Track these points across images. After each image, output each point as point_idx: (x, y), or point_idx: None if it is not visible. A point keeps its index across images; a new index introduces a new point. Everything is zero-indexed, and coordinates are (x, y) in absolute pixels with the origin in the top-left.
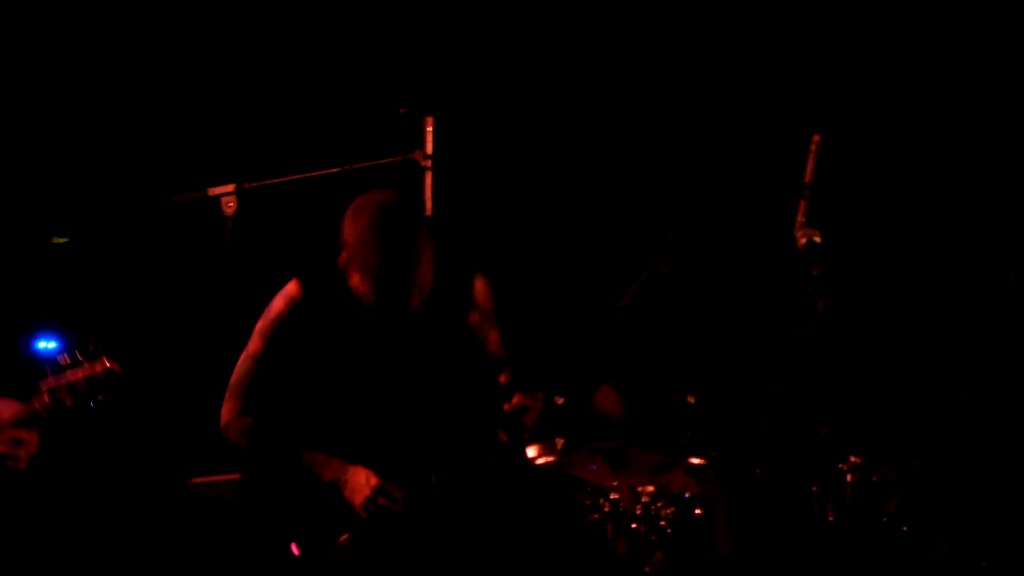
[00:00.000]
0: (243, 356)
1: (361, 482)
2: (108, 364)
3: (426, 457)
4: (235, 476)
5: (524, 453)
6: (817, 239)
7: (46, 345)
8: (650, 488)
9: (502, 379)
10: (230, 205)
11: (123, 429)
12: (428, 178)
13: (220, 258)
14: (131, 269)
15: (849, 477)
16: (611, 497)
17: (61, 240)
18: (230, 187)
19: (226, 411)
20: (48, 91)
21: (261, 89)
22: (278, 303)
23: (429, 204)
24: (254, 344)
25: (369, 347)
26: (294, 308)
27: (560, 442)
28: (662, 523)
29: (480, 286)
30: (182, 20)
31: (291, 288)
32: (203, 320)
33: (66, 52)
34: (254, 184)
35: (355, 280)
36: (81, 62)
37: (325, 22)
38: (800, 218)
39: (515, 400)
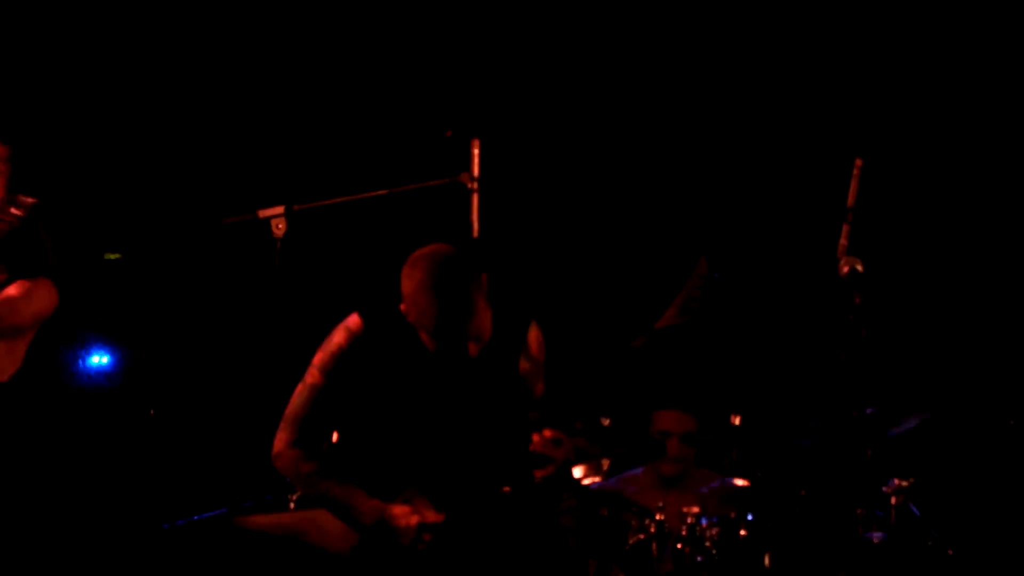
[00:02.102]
0: (300, 387)
1: (404, 521)
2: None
3: (471, 494)
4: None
5: (561, 483)
6: (859, 268)
7: (99, 359)
8: (695, 509)
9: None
10: (279, 227)
11: (168, 451)
12: (474, 200)
13: (270, 279)
14: (182, 288)
15: (893, 500)
16: (656, 517)
17: (114, 256)
18: (279, 209)
19: (280, 440)
20: (105, 114)
21: (310, 113)
22: (339, 337)
23: (475, 226)
24: (312, 376)
25: (428, 389)
26: (355, 343)
27: (606, 463)
28: (707, 544)
29: (534, 336)
30: (234, 48)
31: (353, 322)
32: (252, 340)
33: (124, 77)
34: (303, 206)
35: (416, 326)
36: (138, 87)
37: (374, 47)
38: (843, 241)
39: (545, 434)
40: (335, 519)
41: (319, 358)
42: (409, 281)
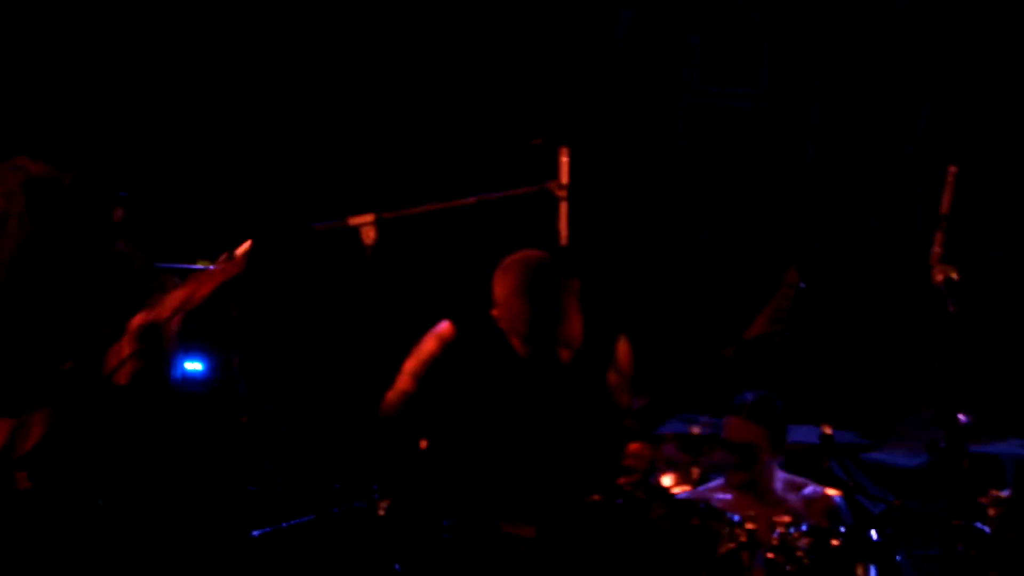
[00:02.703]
0: (391, 394)
1: None
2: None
3: (561, 502)
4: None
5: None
6: (954, 276)
7: (193, 366)
8: (786, 518)
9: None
10: (369, 234)
11: (259, 457)
12: (563, 208)
13: (360, 286)
14: (274, 295)
15: (992, 512)
16: (747, 527)
17: (205, 264)
18: (369, 217)
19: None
20: (198, 122)
21: (401, 121)
22: (431, 343)
23: (564, 234)
24: (404, 383)
25: (519, 394)
26: (447, 349)
27: (696, 471)
28: (799, 553)
29: (624, 349)
30: (327, 57)
31: (445, 329)
32: (343, 347)
33: (221, 86)
34: (393, 214)
35: (508, 332)
36: (234, 96)
37: (464, 55)
38: (937, 249)
39: (633, 448)
40: None
41: (411, 365)
42: (502, 286)
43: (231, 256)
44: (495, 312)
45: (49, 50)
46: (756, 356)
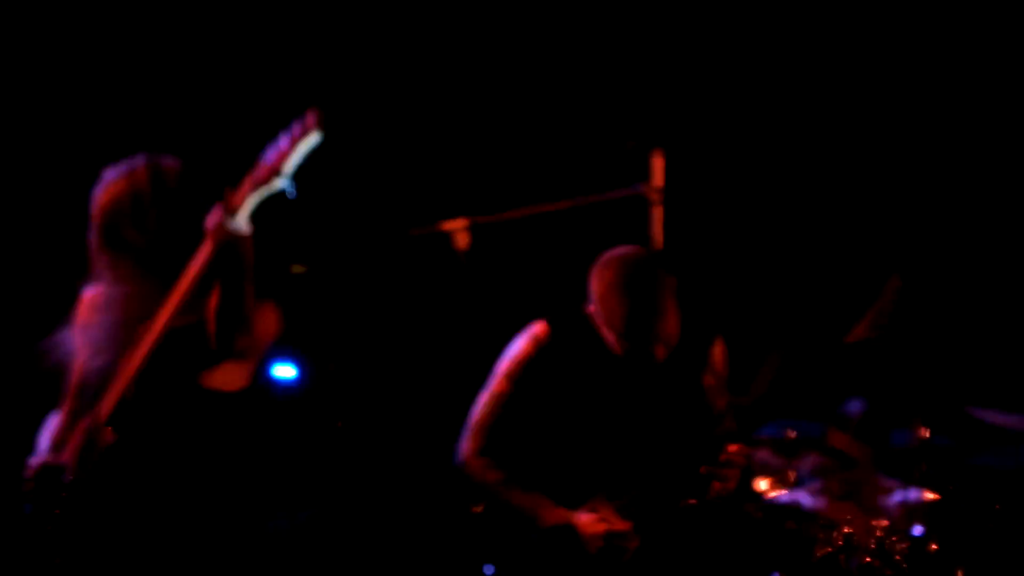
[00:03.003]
0: (487, 396)
1: (591, 529)
2: None
3: (657, 503)
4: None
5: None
6: None
7: (286, 372)
8: (884, 522)
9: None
10: (462, 239)
11: (356, 463)
12: (656, 212)
13: (453, 291)
14: (367, 300)
15: None
16: (844, 531)
17: (299, 270)
18: (463, 222)
19: (465, 449)
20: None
21: (493, 126)
22: (525, 344)
23: (659, 238)
24: (499, 384)
25: (615, 393)
26: (542, 349)
27: (792, 475)
28: (896, 557)
29: (719, 352)
30: (415, 64)
31: (539, 329)
32: (436, 352)
33: (310, 92)
34: (486, 219)
35: (604, 329)
36: (321, 103)
37: (556, 60)
38: None
39: (731, 449)
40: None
41: (505, 366)
42: (600, 282)
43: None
44: (591, 309)
45: (165, 48)
46: (857, 361)
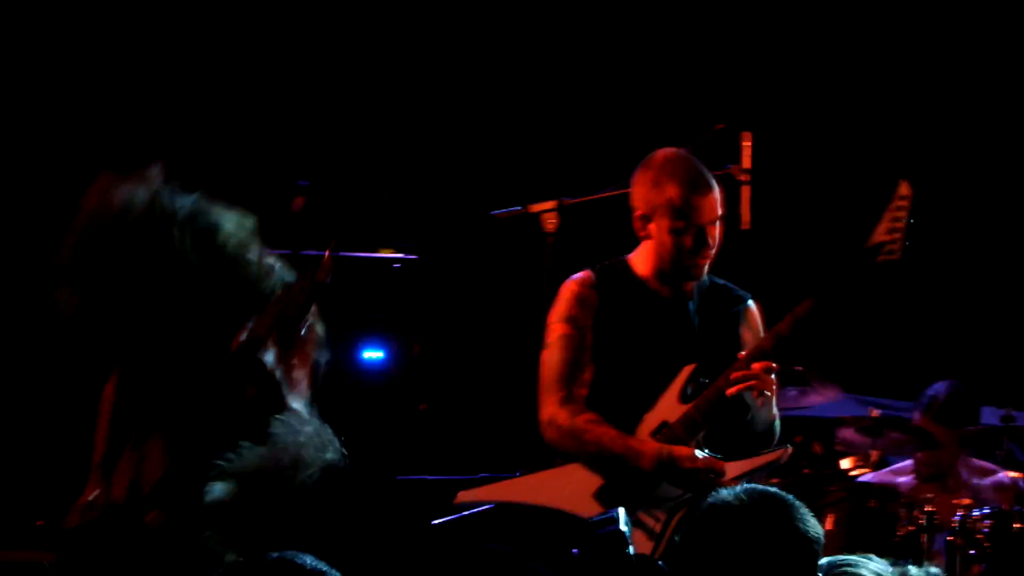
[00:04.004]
0: (548, 351)
1: (690, 463)
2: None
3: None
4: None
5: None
6: None
7: (372, 355)
8: (966, 501)
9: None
10: (551, 221)
11: (440, 445)
12: (745, 192)
13: (541, 274)
14: (455, 283)
15: None
16: (926, 509)
17: (387, 253)
18: (551, 204)
19: (548, 408)
20: (374, 111)
21: (582, 107)
22: (570, 285)
23: (746, 218)
24: (557, 331)
25: (659, 328)
26: (589, 287)
27: (875, 454)
28: (979, 536)
29: (756, 309)
30: (504, 46)
31: (582, 274)
32: (524, 336)
33: (398, 77)
34: (574, 200)
35: (646, 264)
36: (412, 87)
37: (645, 42)
38: None
39: (755, 367)
40: (566, 480)
41: (557, 313)
42: (651, 171)
43: (317, 267)
44: (629, 257)
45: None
46: (877, 264)
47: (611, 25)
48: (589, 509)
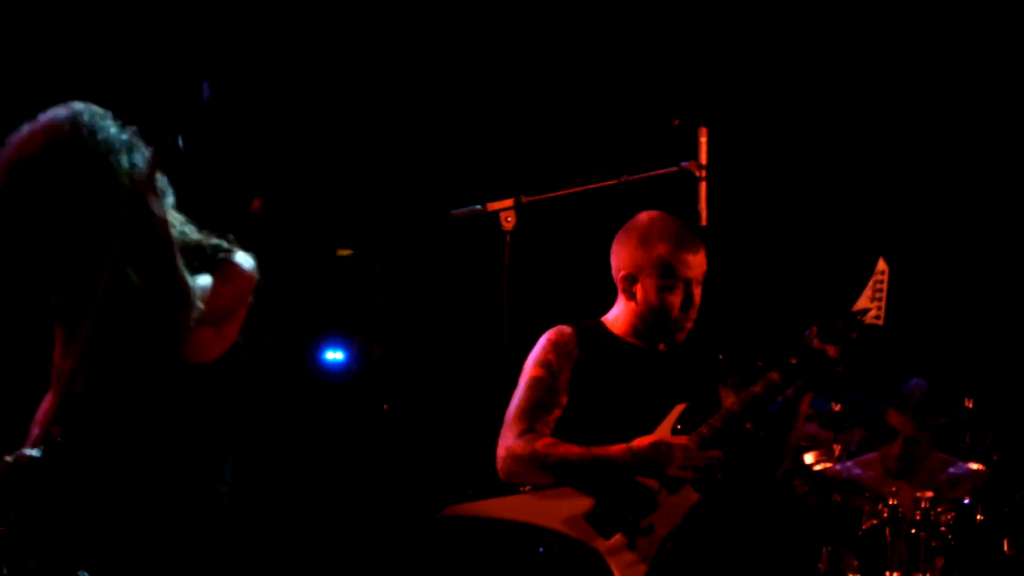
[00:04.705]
0: (522, 387)
1: (670, 453)
2: None
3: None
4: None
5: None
6: None
7: (334, 356)
8: (929, 493)
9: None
10: (508, 220)
11: (401, 445)
12: (702, 188)
13: (500, 272)
14: (413, 283)
15: None
16: (890, 503)
17: (346, 253)
18: (509, 202)
19: (506, 439)
20: (333, 112)
21: (538, 105)
22: (552, 336)
23: (703, 214)
24: (532, 372)
25: (639, 381)
26: (568, 339)
27: (838, 448)
28: (942, 529)
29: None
30: (460, 44)
31: (561, 327)
32: (483, 335)
33: (356, 76)
34: (532, 199)
35: (619, 330)
36: (367, 86)
37: (600, 38)
38: None
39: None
40: (559, 500)
41: (531, 359)
42: (636, 233)
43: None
44: (606, 318)
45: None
46: (859, 331)
47: (568, 24)
48: (581, 531)
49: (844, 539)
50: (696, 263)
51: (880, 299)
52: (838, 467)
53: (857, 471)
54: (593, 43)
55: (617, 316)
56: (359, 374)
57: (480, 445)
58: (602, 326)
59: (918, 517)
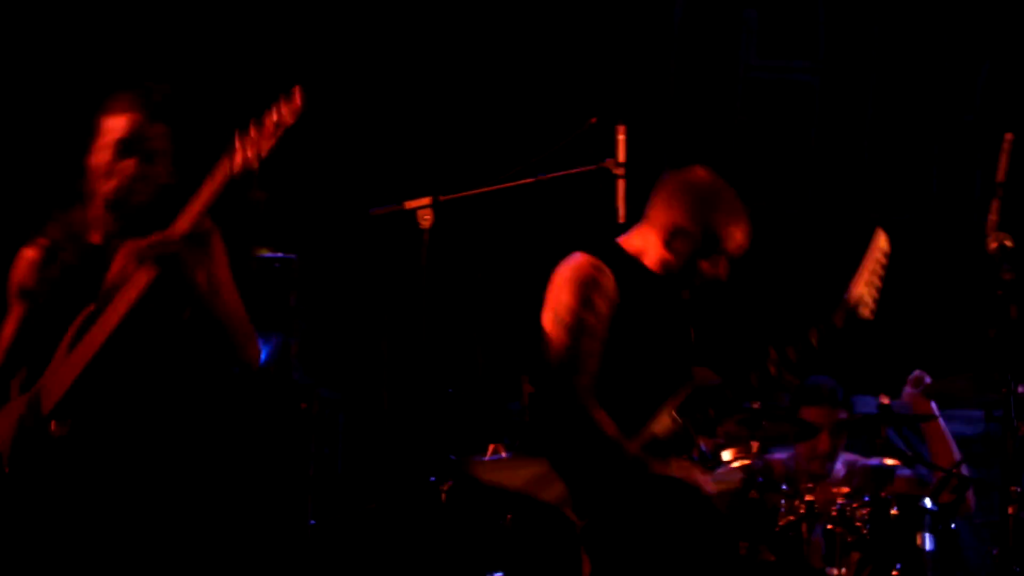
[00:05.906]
0: (569, 333)
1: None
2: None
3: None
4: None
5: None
6: (1009, 243)
7: None
8: (845, 489)
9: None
10: (426, 218)
11: (320, 443)
12: (620, 186)
13: (417, 270)
14: (331, 281)
15: None
16: (806, 499)
17: (263, 251)
18: (426, 200)
19: (581, 384)
20: (250, 112)
21: (455, 103)
22: (584, 268)
23: (622, 212)
24: (579, 313)
25: (662, 309)
26: (597, 267)
27: (755, 445)
28: (857, 524)
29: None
30: (378, 40)
31: (587, 257)
32: (401, 333)
33: (270, 73)
34: (449, 197)
35: (645, 251)
36: (285, 82)
37: (517, 36)
38: (993, 217)
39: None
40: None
41: (575, 295)
42: (695, 186)
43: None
44: (624, 238)
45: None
46: (860, 319)
47: (485, 21)
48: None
49: (760, 535)
50: (746, 240)
51: (878, 287)
52: (757, 464)
53: (774, 467)
54: (511, 41)
55: (646, 250)
56: (276, 372)
57: (408, 441)
58: (636, 261)
59: (834, 513)
